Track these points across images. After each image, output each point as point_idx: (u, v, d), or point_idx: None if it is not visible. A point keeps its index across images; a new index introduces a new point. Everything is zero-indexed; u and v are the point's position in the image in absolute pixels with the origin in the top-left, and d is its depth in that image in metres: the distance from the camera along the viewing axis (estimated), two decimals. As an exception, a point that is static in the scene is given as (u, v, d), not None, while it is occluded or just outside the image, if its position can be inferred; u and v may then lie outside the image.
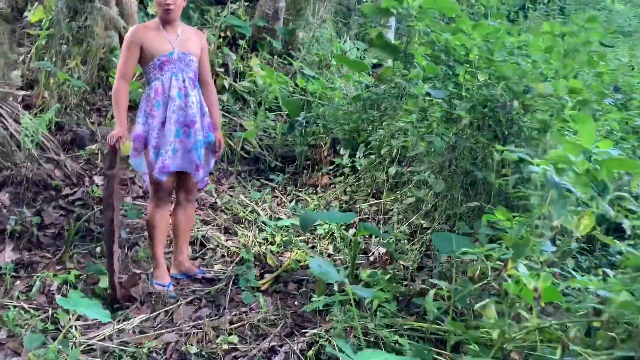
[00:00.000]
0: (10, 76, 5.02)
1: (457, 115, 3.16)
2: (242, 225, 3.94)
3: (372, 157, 4.03)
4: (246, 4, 8.99)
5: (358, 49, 10.44)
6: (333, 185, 4.81)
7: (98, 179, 4.18)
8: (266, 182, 5.03)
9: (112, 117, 5.85)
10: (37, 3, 5.81)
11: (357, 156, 4.23)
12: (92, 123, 5.64)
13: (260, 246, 3.56)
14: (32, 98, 5.34)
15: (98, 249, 3.32)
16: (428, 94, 3.20)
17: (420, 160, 3.51)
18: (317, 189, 4.68)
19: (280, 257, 3.51)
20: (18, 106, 4.47)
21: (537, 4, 13.96)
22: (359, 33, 11.94)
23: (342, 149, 4.54)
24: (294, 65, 8.11)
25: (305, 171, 5.28)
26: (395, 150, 3.87)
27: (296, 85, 6.75)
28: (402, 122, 3.74)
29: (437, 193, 3.19)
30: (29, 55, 5.74)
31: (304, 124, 5.40)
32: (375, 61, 7.68)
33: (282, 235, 3.72)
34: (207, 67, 3.19)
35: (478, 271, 2.91)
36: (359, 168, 4.14)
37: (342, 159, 4.28)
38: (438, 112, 3.19)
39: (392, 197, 3.84)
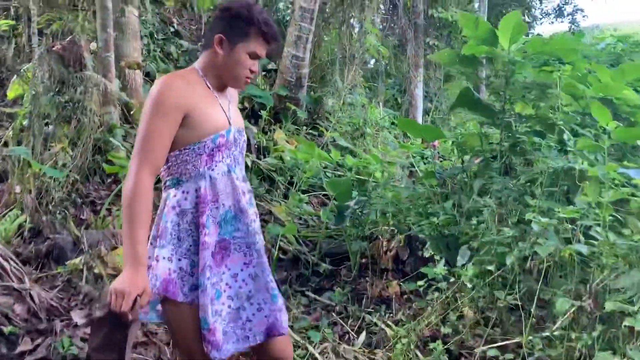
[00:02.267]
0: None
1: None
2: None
3: (490, 267, 2.66)
4: (264, 72, 8.03)
5: (390, 117, 9.32)
6: (408, 299, 3.44)
7: (77, 316, 2.82)
8: (315, 296, 3.65)
9: (109, 214, 4.59)
10: (15, 75, 4.68)
11: (459, 264, 2.86)
12: (82, 221, 4.36)
13: None
14: (2, 194, 4.10)
15: None
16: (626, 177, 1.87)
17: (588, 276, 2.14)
18: (392, 309, 3.29)
19: None
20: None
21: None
22: (388, 100, 10.89)
23: (427, 251, 3.17)
24: (324, 136, 6.97)
25: (363, 276, 3.93)
26: (529, 260, 2.52)
27: (339, 165, 5.49)
28: (536, 217, 2.40)
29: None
30: (2, 140, 4.56)
31: (358, 211, 4.10)
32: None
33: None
34: None
35: None
36: (466, 284, 2.74)
37: (436, 268, 2.89)
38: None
39: (528, 336, 2.43)
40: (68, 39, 4.50)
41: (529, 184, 2.89)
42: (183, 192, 1.62)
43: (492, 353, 2.47)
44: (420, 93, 11.08)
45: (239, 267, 1.66)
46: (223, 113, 1.69)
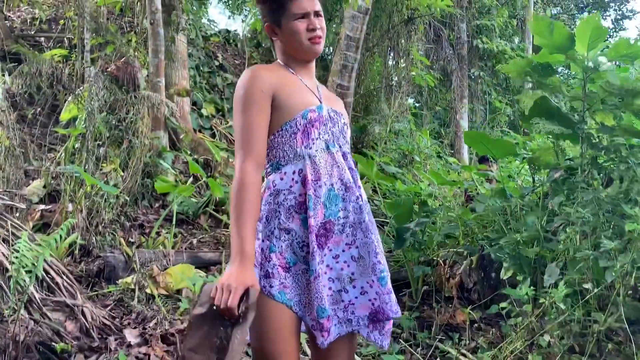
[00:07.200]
0: (22, 189, 3.76)
1: None
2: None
3: (586, 285, 2.37)
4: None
5: (436, 147, 9.09)
6: (480, 328, 3.14)
7: (130, 335, 2.64)
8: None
9: (158, 236, 4.48)
10: (70, 96, 4.69)
11: (547, 284, 2.57)
12: (131, 244, 4.25)
13: None
14: (54, 214, 4.03)
15: None
16: None
17: None
18: (465, 337, 3.00)
19: None
20: (23, 225, 3.09)
21: None
22: (429, 133, 10.68)
23: (506, 272, 2.89)
24: (374, 162, 6.79)
25: (426, 304, 3.65)
26: (632, 276, 2.23)
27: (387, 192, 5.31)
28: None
29: None
30: (55, 161, 4.53)
31: (419, 233, 3.84)
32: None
33: None
34: None
35: None
36: (559, 305, 2.44)
37: (521, 289, 2.61)
38: None
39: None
40: (122, 60, 4.51)
41: (622, 195, 2.62)
42: (281, 173, 1.52)
43: (597, 383, 2.16)
44: (465, 124, 10.84)
45: (340, 248, 1.52)
46: (311, 93, 1.59)
